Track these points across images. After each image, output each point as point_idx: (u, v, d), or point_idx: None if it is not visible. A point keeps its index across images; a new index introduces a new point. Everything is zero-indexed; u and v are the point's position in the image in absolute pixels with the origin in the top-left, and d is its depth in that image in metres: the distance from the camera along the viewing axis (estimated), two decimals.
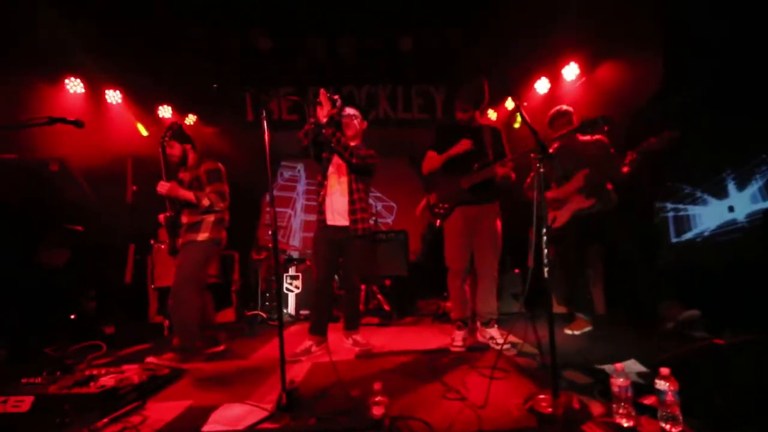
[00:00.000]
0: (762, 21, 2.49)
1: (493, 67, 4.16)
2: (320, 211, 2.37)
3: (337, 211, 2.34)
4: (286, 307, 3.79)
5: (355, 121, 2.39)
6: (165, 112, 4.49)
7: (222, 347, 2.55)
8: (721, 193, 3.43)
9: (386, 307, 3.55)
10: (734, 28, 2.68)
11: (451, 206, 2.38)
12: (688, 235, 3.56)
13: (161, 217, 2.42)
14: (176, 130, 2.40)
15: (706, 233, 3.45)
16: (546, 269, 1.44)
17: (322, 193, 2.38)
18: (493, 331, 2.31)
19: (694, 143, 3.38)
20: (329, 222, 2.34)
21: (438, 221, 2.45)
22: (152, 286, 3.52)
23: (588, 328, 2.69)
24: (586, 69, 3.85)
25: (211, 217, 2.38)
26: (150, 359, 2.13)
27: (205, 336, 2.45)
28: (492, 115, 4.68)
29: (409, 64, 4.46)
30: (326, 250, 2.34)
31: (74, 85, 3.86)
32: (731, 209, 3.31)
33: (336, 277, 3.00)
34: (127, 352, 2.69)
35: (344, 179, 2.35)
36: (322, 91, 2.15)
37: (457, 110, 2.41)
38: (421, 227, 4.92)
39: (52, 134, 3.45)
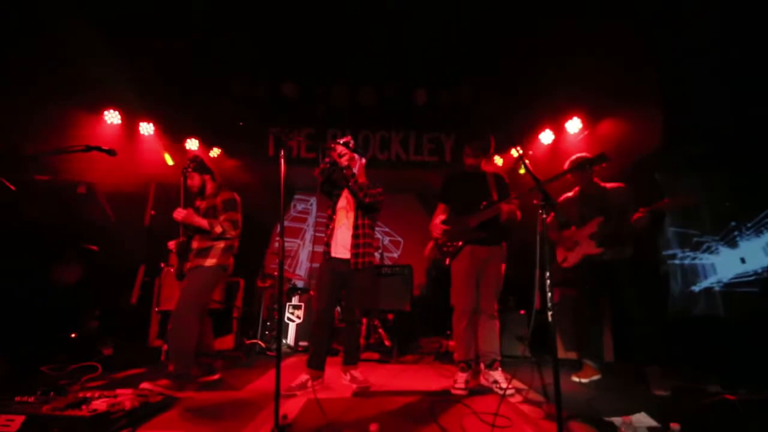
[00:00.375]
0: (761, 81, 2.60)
1: (500, 118, 4.42)
2: (327, 243, 2.45)
3: (342, 244, 2.40)
4: (286, 337, 3.72)
5: (354, 159, 2.51)
6: (192, 144, 4.76)
7: (217, 376, 2.50)
8: (732, 244, 3.41)
9: (387, 343, 3.45)
10: (734, 91, 2.81)
11: (460, 245, 2.42)
12: (703, 284, 3.49)
13: (171, 244, 2.49)
14: (198, 163, 2.56)
15: (721, 283, 3.39)
16: (550, 313, 1.43)
17: (331, 226, 2.47)
18: (497, 375, 2.23)
19: (703, 194, 3.43)
20: (333, 254, 2.40)
21: (447, 260, 2.46)
22: (156, 309, 3.53)
23: (597, 377, 2.57)
24: (589, 123, 4.06)
25: (221, 244, 2.45)
26: (144, 385, 2.09)
27: (201, 363, 2.42)
28: (498, 161, 4.85)
29: (422, 113, 4.78)
30: (328, 282, 2.37)
31: (112, 117, 4.17)
32: (743, 261, 3.34)
33: (338, 309, 2.97)
34: (122, 375, 2.65)
35: (351, 214, 2.45)
36: (336, 146, 2.39)
37: (467, 156, 2.54)
38: (426, 263, 4.90)
39: (86, 160, 3.71)
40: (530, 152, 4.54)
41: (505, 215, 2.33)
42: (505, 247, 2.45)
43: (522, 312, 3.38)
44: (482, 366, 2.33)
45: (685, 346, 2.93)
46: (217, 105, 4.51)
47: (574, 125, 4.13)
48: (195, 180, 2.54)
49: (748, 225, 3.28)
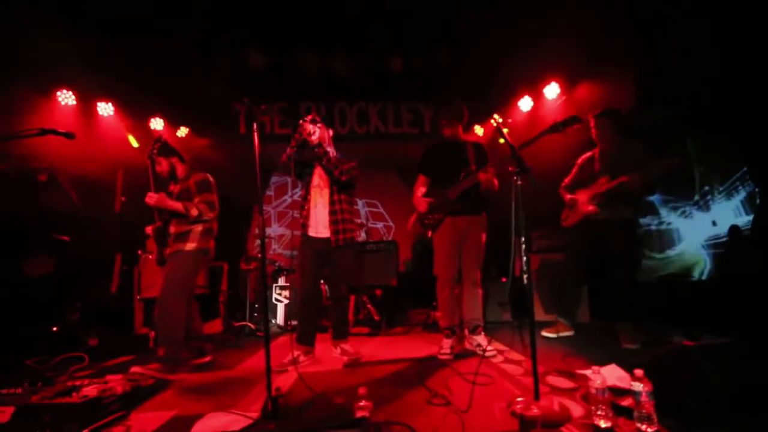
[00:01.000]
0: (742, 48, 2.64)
1: (479, 86, 4.36)
2: (303, 224, 2.42)
3: (321, 222, 2.38)
4: (275, 317, 3.76)
5: (320, 131, 2.40)
6: (157, 124, 4.49)
7: (208, 358, 2.52)
8: (705, 207, 3.59)
9: (376, 317, 3.55)
10: (711, 54, 2.86)
11: (440, 217, 2.45)
12: (675, 250, 3.70)
13: (149, 229, 2.43)
14: (161, 145, 2.43)
15: (691, 248, 3.60)
16: (525, 276, 1.50)
17: (306, 206, 2.42)
18: (480, 339, 2.35)
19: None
20: (312, 234, 2.39)
21: (429, 232, 2.50)
22: (138, 297, 3.47)
23: (567, 333, 2.74)
24: (566, 88, 4.07)
25: (199, 227, 2.40)
26: (135, 369, 2.10)
27: (191, 347, 2.43)
28: (479, 130, 4.85)
29: (399, 82, 4.61)
30: (310, 261, 2.37)
31: (66, 97, 3.86)
32: (714, 224, 3.46)
33: (327, 287, 3.01)
34: (111, 363, 2.64)
35: (326, 191, 2.41)
36: (304, 124, 2.29)
37: (442, 128, 2.53)
38: (411, 238, 4.98)
39: (43, 145, 3.47)
40: (509, 120, 4.55)
41: (484, 184, 2.36)
42: (485, 217, 2.51)
43: (504, 279, 3.53)
44: (466, 332, 2.45)
45: (657, 304, 3.12)
46: (179, 80, 4.23)
47: (552, 90, 4.12)
48: (163, 165, 2.45)
49: (720, 189, 3.43)
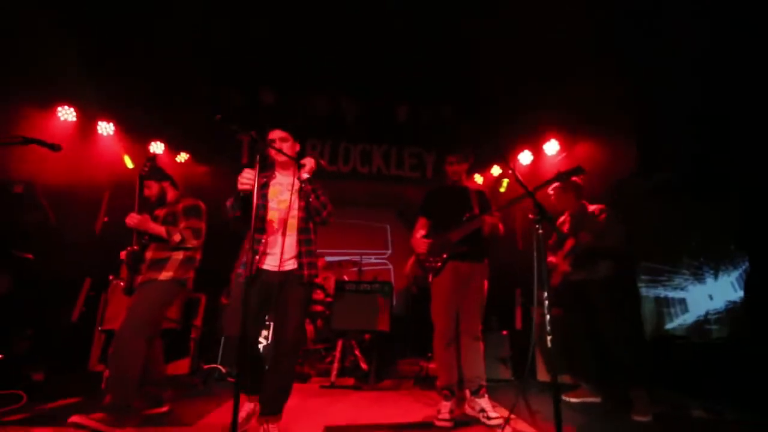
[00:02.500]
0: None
1: (481, 138, 4.50)
2: (255, 252, 1.83)
3: (288, 252, 1.88)
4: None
5: (286, 145, 1.91)
6: (157, 148, 4.44)
7: (165, 408, 2.17)
8: (702, 280, 3.56)
9: (364, 366, 3.21)
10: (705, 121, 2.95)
11: (442, 261, 2.30)
12: (675, 322, 3.59)
13: (124, 253, 2.19)
14: (153, 167, 2.27)
15: (690, 321, 3.50)
16: (549, 336, 1.33)
17: (265, 232, 1.88)
18: (483, 402, 2.07)
19: (674, 224, 3.56)
20: (269, 266, 1.87)
21: (430, 276, 2.32)
22: (99, 329, 3.11)
23: (594, 399, 2.55)
24: (566, 145, 4.17)
25: (179, 255, 2.18)
26: (74, 419, 1.75)
27: (146, 393, 2.09)
28: (478, 179, 4.89)
29: (404, 129, 4.77)
30: (258, 300, 1.82)
31: (66, 113, 3.83)
32: (711, 298, 3.41)
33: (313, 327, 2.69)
34: (52, 406, 2.26)
35: (296, 214, 1.91)
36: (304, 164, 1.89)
37: (449, 164, 2.46)
38: (406, 281, 4.74)
39: (29, 158, 3.34)
40: (510, 171, 4.61)
41: (488, 227, 2.24)
42: (487, 264, 2.36)
43: (504, 333, 3.27)
44: (467, 393, 2.16)
45: (664, 366, 2.92)
46: (187, 107, 4.25)
47: (551, 147, 4.24)
48: (153, 189, 2.28)
49: (716, 261, 3.41)
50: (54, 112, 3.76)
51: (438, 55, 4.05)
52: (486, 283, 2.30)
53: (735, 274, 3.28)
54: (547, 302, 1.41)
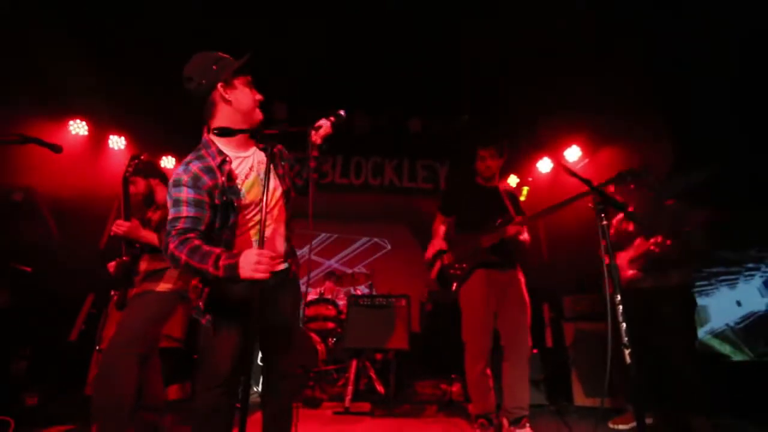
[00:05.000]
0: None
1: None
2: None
3: (278, 252, 1.41)
4: (258, 384, 3.12)
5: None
6: (168, 162, 4.44)
7: None
8: (733, 285, 3.31)
9: (380, 389, 2.93)
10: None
11: (470, 267, 2.05)
12: (704, 330, 3.35)
13: (111, 266, 2.01)
14: (142, 164, 2.08)
15: (721, 327, 3.29)
16: (627, 351, 1.10)
17: (246, 230, 1.33)
18: None
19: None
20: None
21: (454, 284, 2.08)
22: (97, 348, 2.91)
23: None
24: (588, 151, 4.00)
25: None
26: None
27: (141, 420, 1.86)
28: (512, 180, 4.68)
29: (416, 142, 4.70)
30: (239, 320, 1.27)
31: (78, 127, 3.86)
32: (739, 304, 3.24)
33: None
34: None
35: (280, 207, 1.41)
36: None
37: (480, 160, 2.17)
38: (420, 294, 4.48)
39: (35, 167, 3.29)
40: (530, 179, 4.43)
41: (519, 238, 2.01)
42: (521, 271, 2.11)
43: (535, 351, 2.97)
44: (505, 422, 1.88)
45: (719, 388, 2.60)
46: (199, 122, 4.23)
47: (573, 153, 4.07)
48: (138, 185, 2.08)
49: (748, 266, 3.18)
50: (66, 125, 3.78)
51: (450, 64, 4.00)
52: (526, 291, 2.05)
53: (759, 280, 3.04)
54: (621, 308, 1.17)
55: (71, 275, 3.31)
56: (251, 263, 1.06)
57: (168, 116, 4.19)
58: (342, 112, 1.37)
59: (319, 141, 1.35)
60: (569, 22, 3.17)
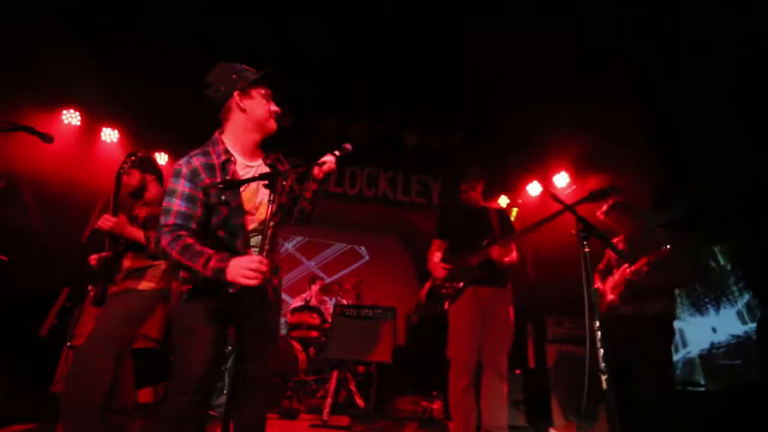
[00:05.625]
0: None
1: (491, 168, 4.47)
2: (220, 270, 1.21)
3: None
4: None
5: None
6: (161, 159, 4.38)
7: None
8: (704, 312, 3.42)
9: (360, 402, 2.87)
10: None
11: (461, 285, 2.11)
12: (679, 354, 3.43)
13: (93, 259, 1.96)
14: (141, 158, 2.07)
15: (694, 353, 3.35)
16: (605, 377, 1.13)
17: (241, 240, 1.31)
18: None
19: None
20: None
21: (446, 303, 2.11)
22: (68, 344, 2.80)
23: None
24: (576, 179, 4.13)
25: (162, 264, 1.94)
26: None
27: (109, 423, 1.78)
28: (502, 202, 4.78)
29: (411, 155, 4.78)
30: (215, 331, 1.24)
31: (71, 117, 3.81)
32: (714, 330, 3.34)
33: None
34: None
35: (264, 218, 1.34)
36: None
37: (463, 193, 2.33)
38: (407, 306, 4.46)
39: (22, 156, 3.22)
40: (519, 201, 4.53)
41: (504, 264, 2.08)
42: (511, 289, 2.16)
43: (517, 372, 2.97)
44: None
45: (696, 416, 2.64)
46: (195, 120, 4.22)
47: (561, 179, 4.19)
48: (134, 178, 2.03)
49: (716, 294, 3.28)
50: (59, 114, 3.73)
51: (448, 79, 4.10)
52: (512, 310, 2.10)
53: (737, 307, 3.19)
54: (599, 333, 1.20)
55: (48, 266, 3.20)
56: (242, 268, 1.06)
57: (164, 112, 4.18)
58: (348, 146, 1.42)
59: (320, 176, 1.38)
60: (564, 46, 3.28)
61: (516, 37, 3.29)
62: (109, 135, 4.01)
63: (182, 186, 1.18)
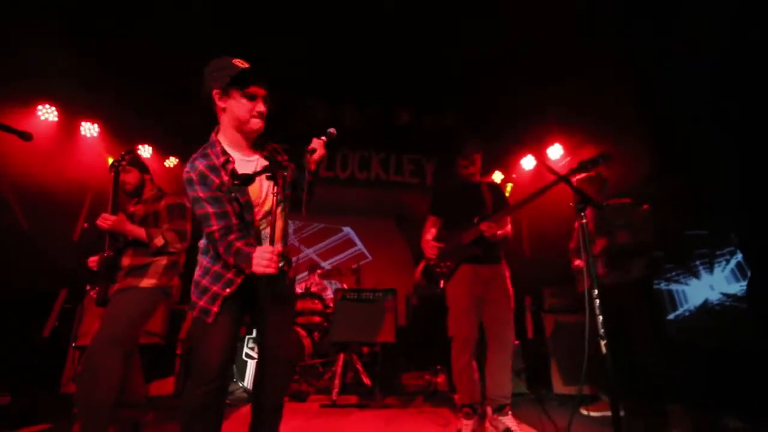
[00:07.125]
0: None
1: (484, 143, 4.41)
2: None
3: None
4: (242, 379, 3.09)
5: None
6: (144, 152, 4.27)
7: None
8: (697, 275, 3.51)
9: (367, 382, 2.96)
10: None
11: (455, 264, 2.11)
12: (678, 312, 3.52)
13: (92, 260, 1.94)
14: (135, 157, 2.09)
15: (691, 309, 3.43)
16: (604, 343, 1.16)
17: (255, 226, 1.36)
18: (508, 421, 1.87)
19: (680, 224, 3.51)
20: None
21: (441, 282, 2.13)
22: (73, 345, 2.80)
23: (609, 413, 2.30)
24: (570, 150, 4.09)
25: (163, 260, 1.93)
26: None
27: (121, 419, 1.81)
28: (497, 177, 4.75)
29: (404, 135, 4.67)
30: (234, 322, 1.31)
31: (47, 112, 3.64)
32: (712, 288, 3.36)
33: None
34: None
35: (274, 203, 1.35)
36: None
37: (462, 168, 2.28)
38: (405, 289, 4.53)
39: (6, 157, 3.10)
40: (513, 175, 4.52)
41: (498, 238, 2.08)
42: (506, 265, 2.18)
43: (516, 342, 3.07)
44: (489, 410, 1.95)
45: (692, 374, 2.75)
46: (178, 110, 4.07)
47: (555, 151, 4.17)
48: (132, 176, 2.03)
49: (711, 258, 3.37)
50: (34, 110, 3.56)
51: (438, 60, 3.99)
52: (509, 284, 2.12)
53: (729, 267, 3.24)
54: (598, 302, 1.24)
55: (42, 268, 3.15)
56: (257, 258, 1.15)
57: (145, 104, 4.02)
58: (332, 130, 1.39)
59: (314, 168, 1.35)
60: (557, 20, 3.19)
61: (507, 10, 3.19)
62: (89, 129, 3.87)
63: (200, 191, 1.23)
